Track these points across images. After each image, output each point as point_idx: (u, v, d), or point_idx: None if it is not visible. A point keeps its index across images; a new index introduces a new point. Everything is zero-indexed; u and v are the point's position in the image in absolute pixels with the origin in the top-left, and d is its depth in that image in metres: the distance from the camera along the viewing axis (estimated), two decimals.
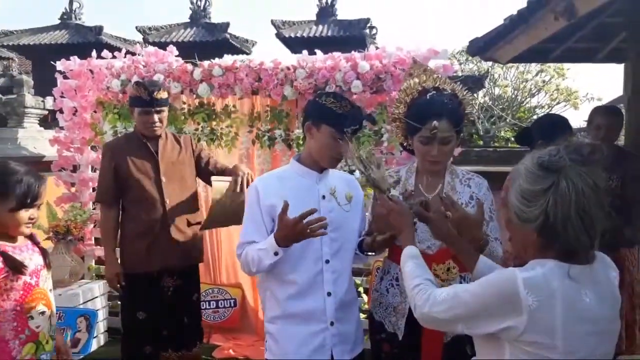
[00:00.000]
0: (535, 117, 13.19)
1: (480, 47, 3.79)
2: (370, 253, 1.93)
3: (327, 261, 1.77)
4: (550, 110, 14.75)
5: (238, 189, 2.57)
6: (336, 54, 3.30)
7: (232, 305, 3.83)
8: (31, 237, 1.85)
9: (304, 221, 1.61)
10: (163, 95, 2.61)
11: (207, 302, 3.79)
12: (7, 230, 1.75)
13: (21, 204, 1.71)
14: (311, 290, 1.76)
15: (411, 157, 2.17)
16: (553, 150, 1.15)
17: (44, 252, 1.84)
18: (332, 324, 1.75)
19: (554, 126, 2.52)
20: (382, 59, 3.19)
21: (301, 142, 3.39)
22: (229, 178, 2.63)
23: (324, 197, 1.81)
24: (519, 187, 1.17)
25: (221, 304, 3.82)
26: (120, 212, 2.69)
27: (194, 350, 2.76)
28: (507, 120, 14.47)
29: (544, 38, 3.12)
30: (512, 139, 14.49)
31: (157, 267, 2.62)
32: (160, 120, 2.62)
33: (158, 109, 2.59)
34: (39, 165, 3.42)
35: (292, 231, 1.63)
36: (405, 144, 2.00)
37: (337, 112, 1.71)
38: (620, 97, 5.56)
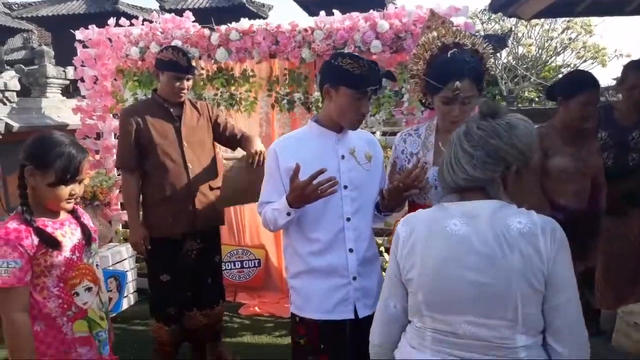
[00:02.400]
0: (560, 76, 12.78)
1: (503, 4, 3.67)
2: (387, 213, 1.94)
3: (348, 219, 1.80)
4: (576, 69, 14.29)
5: (253, 165, 2.64)
6: (354, 14, 3.25)
7: (257, 265, 3.94)
8: (73, 212, 1.75)
9: (314, 182, 1.63)
10: (194, 63, 2.67)
11: (232, 263, 3.90)
12: (47, 204, 1.66)
13: (60, 179, 1.60)
14: (333, 247, 1.79)
15: (433, 115, 2.15)
16: None
17: (83, 228, 1.73)
18: (354, 278, 1.79)
19: (573, 82, 2.43)
20: (401, 17, 3.13)
21: (320, 104, 3.38)
22: (240, 155, 2.70)
23: (343, 157, 1.82)
24: None
25: (246, 264, 3.93)
26: (142, 177, 2.70)
27: (217, 309, 2.84)
28: (532, 80, 14.09)
29: None
30: (536, 99, 14.13)
31: (182, 231, 2.67)
32: (188, 88, 2.68)
33: (190, 76, 2.64)
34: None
35: (302, 193, 1.65)
36: (424, 101, 1.98)
37: (355, 72, 1.68)
38: None
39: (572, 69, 13.73)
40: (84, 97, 3.96)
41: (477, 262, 1.16)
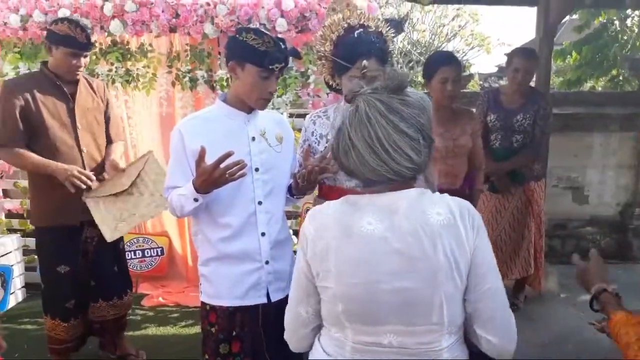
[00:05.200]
0: None
1: None
2: (299, 196, 1.92)
3: (260, 202, 1.75)
4: (464, 55, 15.23)
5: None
6: None
7: (159, 253, 3.76)
8: None
9: (222, 165, 1.56)
10: (93, 39, 2.44)
11: (132, 252, 3.70)
12: None
13: None
14: (245, 231, 1.74)
15: (338, 98, 2.16)
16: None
17: None
18: (267, 262, 1.76)
19: (430, 63, 2.44)
20: None
21: (225, 83, 3.28)
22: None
23: (253, 138, 1.76)
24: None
25: (147, 253, 3.75)
26: None
27: (125, 299, 2.69)
28: None
29: None
30: None
31: (79, 218, 2.47)
32: (85, 65, 2.46)
33: (87, 53, 2.41)
34: None
35: (210, 177, 1.57)
36: (331, 83, 1.98)
37: (260, 49, 1.62)
38: (528, 42, 5.76)
39: (462, 56, 14.60)
40: None
41: (397, 265, 1.03)
